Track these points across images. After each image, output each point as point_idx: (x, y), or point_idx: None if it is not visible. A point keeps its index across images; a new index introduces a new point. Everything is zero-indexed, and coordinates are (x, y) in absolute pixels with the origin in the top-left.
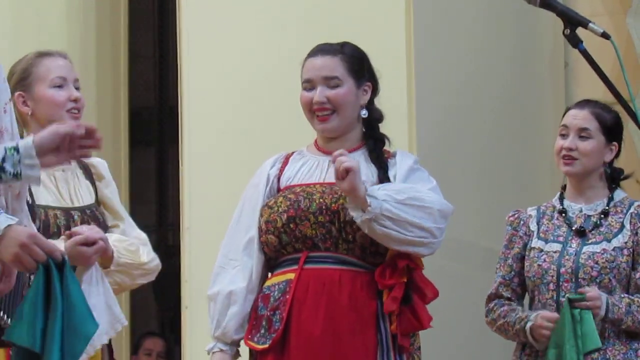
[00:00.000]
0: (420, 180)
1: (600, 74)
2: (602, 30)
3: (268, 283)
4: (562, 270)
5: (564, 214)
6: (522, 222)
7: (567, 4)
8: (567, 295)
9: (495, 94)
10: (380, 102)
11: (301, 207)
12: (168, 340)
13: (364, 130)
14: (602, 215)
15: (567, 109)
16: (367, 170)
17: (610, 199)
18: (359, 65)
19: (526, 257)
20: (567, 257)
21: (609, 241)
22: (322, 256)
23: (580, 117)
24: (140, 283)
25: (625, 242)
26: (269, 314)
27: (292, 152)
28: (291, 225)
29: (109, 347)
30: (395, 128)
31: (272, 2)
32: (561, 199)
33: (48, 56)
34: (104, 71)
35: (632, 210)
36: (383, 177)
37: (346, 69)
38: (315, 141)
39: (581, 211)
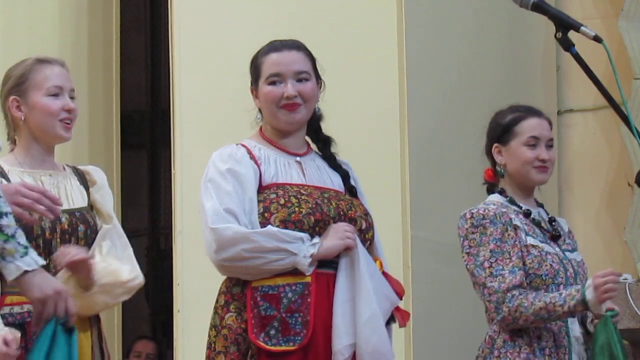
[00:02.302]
0: (363, 197)
1: (592, 77)
2: (594, 34)
3: (270, 282)
4: (569, 273)
5: (529, 216)
6: (502, 216)
7: (559, 7)
8: (608, 313)
9: (487, 97)
10: (372, 104)
11: (324, 211)
12: (160, 344)
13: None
14: (554, 223)
15: (520, 117)
16: (334, 175)
17: (542, 206)
18: (315, 63)
19: (525, 253)
20: (565, 260)
21: (577, 251)
22: (331, 261)
23: (547, 128)
24: (123, 300)
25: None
26: (284, 315)
27: (244, 145)
28: (317, 229)
29: (101, 352)
30: (387, 130)
31: (264, 7)
32: (512, 201)
33: (46, 63)
34: (96, 74)
35: (566, 229)
36: (349, 185)
37: (311, 65)
38: (263, 134)
39: (539, 215)
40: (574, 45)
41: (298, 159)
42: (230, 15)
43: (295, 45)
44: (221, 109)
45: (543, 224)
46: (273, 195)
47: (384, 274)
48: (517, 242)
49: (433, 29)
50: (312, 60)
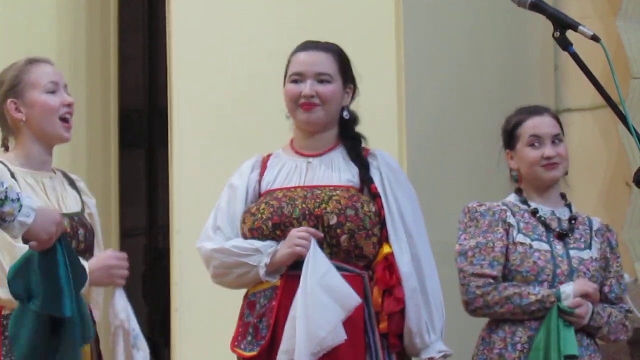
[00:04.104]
0: (402, 190)
1: (590, 76)
2: (591, 33)
3: (253, 290)
4: (559, 271)
5: (535, 215)
6: (496, 214)
7: (556, 6)
8: (558, 304)
9: (485, 96)
10: (370, 102)
11: (285, 214)
12: (157, 343)
13: (338, 130)
14: (573, 221)
15: (521, 120)
16: (347, 170)
17: (569, 205)
18: (346, 67)
19: (511, 250)
20: (559, 258)
21: (590, 250)
22: (302, 262)
23: (549, 124)
24: None
25: (597, 257)
26: (255, 321)
27: (269, 155)
28: (277, 232)
29: (97, 353)
30: (386, 128)
31: (262, 6)
32: (524, 201)
33: (37, 63)
34: (94, 73)
35: (595, 227)
36: (365, 176)
37: (337, 68)
38: (291, 142)
39: (553, 214)
40: (571, 44)
41: (310, 159)
42: (228, 14)
43: (324, 47)
44: (219, 108)
45: (553, 223)
46: (252, 205)
47: (385, 261)
48: (503, 238)
49: (431, 29)
50: (341, 63)
